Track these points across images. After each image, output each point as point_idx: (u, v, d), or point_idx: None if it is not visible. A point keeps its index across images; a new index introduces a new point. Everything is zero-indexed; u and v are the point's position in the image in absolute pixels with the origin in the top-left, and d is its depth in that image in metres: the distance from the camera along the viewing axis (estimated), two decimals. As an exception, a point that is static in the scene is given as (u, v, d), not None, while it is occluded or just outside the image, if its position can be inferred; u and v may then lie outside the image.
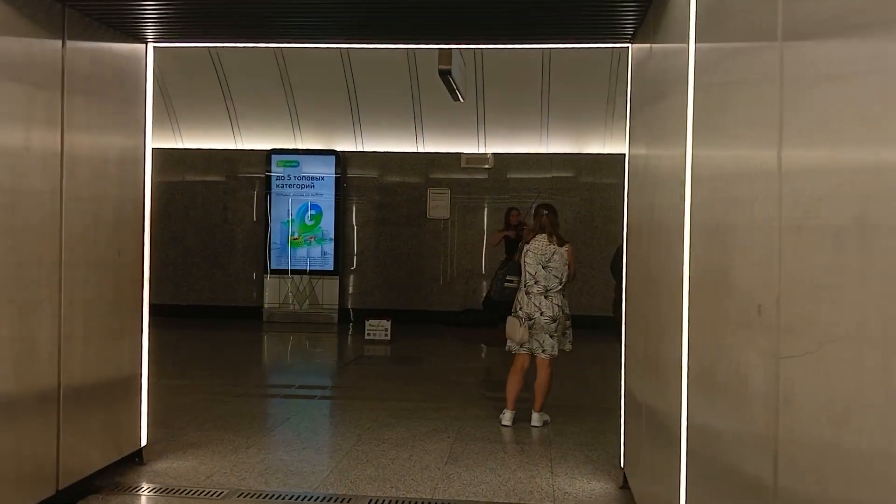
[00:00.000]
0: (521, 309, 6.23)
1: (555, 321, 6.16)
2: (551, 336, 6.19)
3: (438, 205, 12.87)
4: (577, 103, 12.39)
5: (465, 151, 12.83)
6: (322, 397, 8.00)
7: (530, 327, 6.15)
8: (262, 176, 12.97)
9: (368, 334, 10.72)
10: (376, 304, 12.92)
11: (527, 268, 6.23)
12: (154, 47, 5.29)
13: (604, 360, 8.26)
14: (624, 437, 5.02)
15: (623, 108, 5.24)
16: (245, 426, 6.25)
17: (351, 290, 13.01)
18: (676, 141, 3.32)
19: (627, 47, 5.04)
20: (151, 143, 5.31)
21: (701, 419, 2.93)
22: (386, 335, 10.68)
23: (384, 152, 13.00)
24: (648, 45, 4.33)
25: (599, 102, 12.28)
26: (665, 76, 3.77)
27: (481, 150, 12.86)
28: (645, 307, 4.24)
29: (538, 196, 10.97)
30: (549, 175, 12.65)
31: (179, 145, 13.23)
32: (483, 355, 10.72)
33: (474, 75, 11.89)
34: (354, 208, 13.03)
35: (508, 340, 6.34)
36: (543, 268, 6.18)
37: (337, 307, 12.78)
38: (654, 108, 4.12)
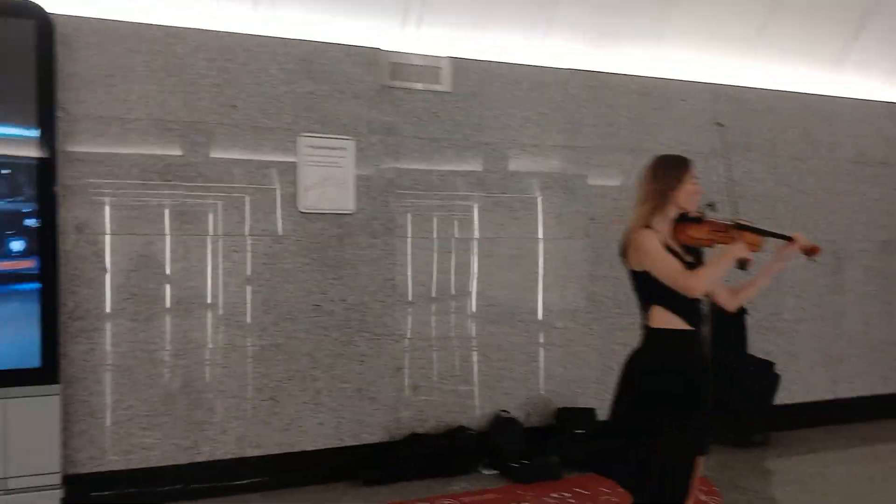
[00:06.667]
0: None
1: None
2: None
3: (323, 179, 5.10)
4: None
5: (387, 48, 5.27)
6: None
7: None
8: None
9: None
10: (164, 456, 4.66)
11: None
12: None
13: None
14: None
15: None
16: None
17: (88, 422, 4.46)
18: None
19: None
20: None
21: None
22: None
23: (174, 28, 4.73)
24: None
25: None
26: None
27: (423, 49, 5.41)
28: None
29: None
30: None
31: None
32: None
33: None
34: (91, 180, 4.50)
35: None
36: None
37: (60, 475, 4.19)
38: None
